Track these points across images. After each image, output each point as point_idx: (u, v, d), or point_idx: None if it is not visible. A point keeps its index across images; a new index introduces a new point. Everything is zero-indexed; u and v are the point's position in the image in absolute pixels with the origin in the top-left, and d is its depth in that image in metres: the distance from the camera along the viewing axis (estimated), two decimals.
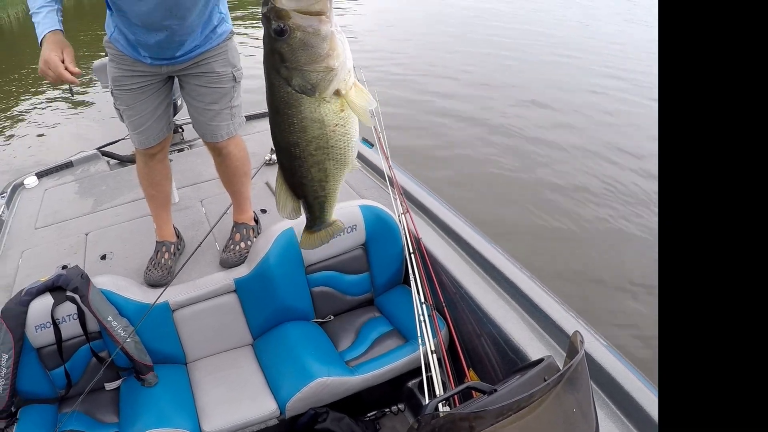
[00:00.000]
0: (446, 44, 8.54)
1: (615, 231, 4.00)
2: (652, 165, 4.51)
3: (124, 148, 3.32)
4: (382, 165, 2.48)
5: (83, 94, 7.42)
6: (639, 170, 4.70)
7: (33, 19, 1.68)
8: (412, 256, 2.01)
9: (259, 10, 0.68)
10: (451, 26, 9.62)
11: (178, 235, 2.31)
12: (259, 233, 2.27)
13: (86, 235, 2.52)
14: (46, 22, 1.66)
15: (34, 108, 7.41)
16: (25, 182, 3.06)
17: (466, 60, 7.74)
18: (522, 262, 2.00)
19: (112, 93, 1.99)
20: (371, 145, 2.91)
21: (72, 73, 1.61)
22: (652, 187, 4.32)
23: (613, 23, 10.06)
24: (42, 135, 6.32)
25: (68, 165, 3.27)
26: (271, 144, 2.74)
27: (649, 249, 3.67)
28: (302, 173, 0.87)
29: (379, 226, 2.16)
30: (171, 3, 1.71)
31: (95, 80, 5.91)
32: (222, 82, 1.96)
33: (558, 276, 3.40)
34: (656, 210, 3.15)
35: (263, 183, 2.73)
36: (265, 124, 3.19)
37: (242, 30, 9.19)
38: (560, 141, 5.29)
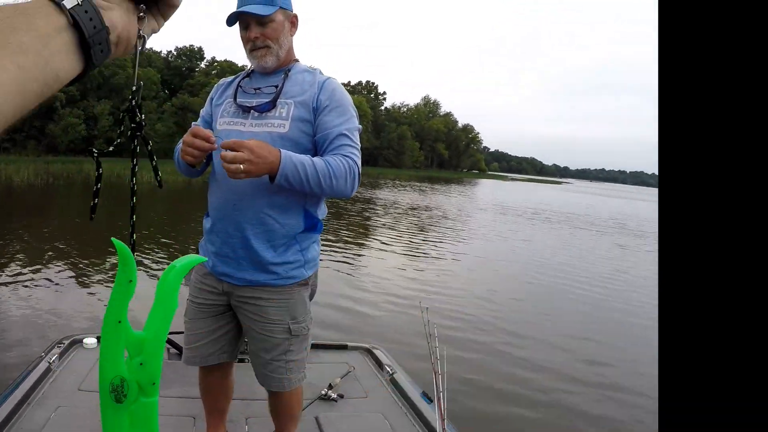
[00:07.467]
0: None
1: None
2: None
3: None
4: (437, 425, 2.17)
5: None
6: None
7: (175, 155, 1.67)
8: None
9: None
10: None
11: None
12: None
13: None
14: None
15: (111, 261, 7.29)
16: (84, 341, 2.99)
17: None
18: None
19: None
20: (430, 400, 2.54)
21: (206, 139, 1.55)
22: None
23: None
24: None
25: None
26: (329, 379, 2.67)
27: None
28: None
29: None
30: (236, 197, 1.61)
31: None
32: (273, 331, 1.69)
33: None
34: None
35: (312, 417, 2.42)
36: (330, 356, 3.05)
37: None
38: None
